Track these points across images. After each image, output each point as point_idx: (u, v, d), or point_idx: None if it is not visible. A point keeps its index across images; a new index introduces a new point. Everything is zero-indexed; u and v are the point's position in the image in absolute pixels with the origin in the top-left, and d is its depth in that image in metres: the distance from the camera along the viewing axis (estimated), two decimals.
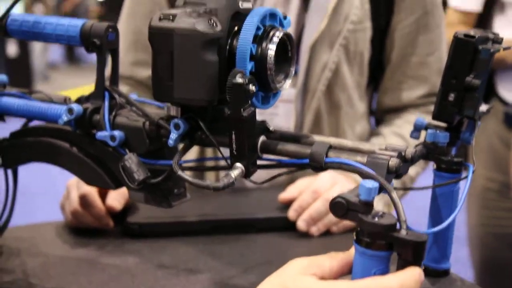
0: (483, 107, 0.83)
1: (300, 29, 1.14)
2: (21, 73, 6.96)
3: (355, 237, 0.57)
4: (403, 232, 0.55)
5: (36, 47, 7.71)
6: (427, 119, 0.85)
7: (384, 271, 0.56)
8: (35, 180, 3.68)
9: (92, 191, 0.98)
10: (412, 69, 1.19)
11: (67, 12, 9.59)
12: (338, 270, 0.58)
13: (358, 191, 0.56)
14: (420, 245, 0.54)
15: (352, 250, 0.58)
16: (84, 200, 0.97)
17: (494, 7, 1.87)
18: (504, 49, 0.81)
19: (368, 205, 0.56)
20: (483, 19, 1.89)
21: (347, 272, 0.59)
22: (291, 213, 1.00)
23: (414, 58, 1.19)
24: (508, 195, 1.84)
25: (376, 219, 0.55)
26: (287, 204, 1.02)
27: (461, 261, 2.15)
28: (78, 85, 7.78)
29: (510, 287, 1.90)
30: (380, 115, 1.27)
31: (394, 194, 0.58)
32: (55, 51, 10.43)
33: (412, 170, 1.16)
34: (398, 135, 1.16)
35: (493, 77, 1.89)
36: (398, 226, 0.56)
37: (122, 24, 1.25)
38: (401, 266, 0.55)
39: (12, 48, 7.00)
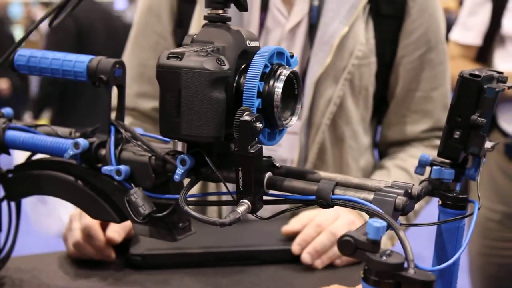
0: (488, 144, 0.84)
1: (305, 64, 1.15)
2: (20, 102, 6.96)
3: (362, 275, 0.57)
4: (411, 271, 0.55)
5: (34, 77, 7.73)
6: (431, 153, 0.86)
7: None
8: None
9: (94, 223, 0.98)
10: (416, 104, 1.20)
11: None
12: None
13: (366, 230, 0.56)
14: (429, 285, 0.54)
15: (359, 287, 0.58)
16: (86, 232, 0.97)
17: (494, 41, 1.89)
18: (509, 88, 0.82)
19: (375, 244, 0.56)
20: (483, 52, 1.91)
21: None
22: (294, 247, 1.00)
23: (418, 93, 1.20)
24: (510, 226, 1.84)
25: (384, 258, 0.55)
26: (290, 236, 1.02)
27: None
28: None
29: None
30: (383, 148, 1.27)
31: (402, 233, 0.58)
32: None
33: (417, 205, 1.16)
34: (402, 168, 1.17)
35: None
36: (405, 265, 0.56)
37: (127, 56, 1.26)
38: None
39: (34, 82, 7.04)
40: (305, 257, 0.98)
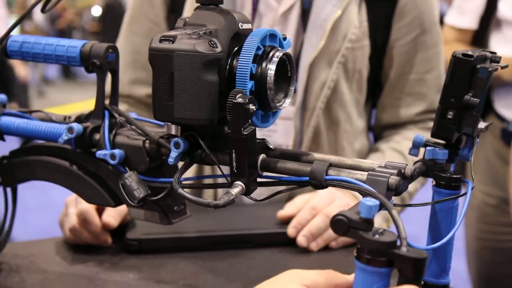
0: (482, 125, 0.84)
1: (298, 47, 1.15)
2: (17, 89, 6.97)
3: (355, 254, 0.57)
4: (404, 249, 0.55)
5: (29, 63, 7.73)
6: (425, 135, 0.86)
7: (385, 287, 0.56)
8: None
9: (90, 208, 0.98)
10: (410, 87, 1.20)
11: (62, 29, 9.62)
12: None
13: (359, 209, 0.57)
14: (421, 262, 0.55)
15: (352, 276, 0.59)
16: (82, 217, 0.97)
17: (490, 24, 1.89)
18: (502, 67, 0.82)
19: (368, 223, 0.57)
20: (479, 36, 1.91)
21: None
22: (290, 230, 1.00)
23: (412, 76, 1.20)
24: (506, 210, 1.85)
25: (377, 236, 0.56)
26: (286, 220, 1.03)
27: (460, 275, 2.15)
28: (74, 101, 7.80)
29: None
30: (378, 132, 1.28)
31: (395, 212, 0.59)
32: (51, 67, 10.46)
33: (411, 186, 1.16)
34: (397, 151, 1.17)
35: (490, 94, 1.90)
36: (398, 243, 0.56)
37: (121, 43, 1.26)
38: (402, 282, 0.56)
39: (21, 69, 7.04)
40: (301, 240, 0.99)
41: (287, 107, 1.14)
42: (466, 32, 1.92)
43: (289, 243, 1.00)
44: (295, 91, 1.15)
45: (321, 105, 1.13)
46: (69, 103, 7.72)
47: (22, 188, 0.88)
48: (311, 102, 1.14)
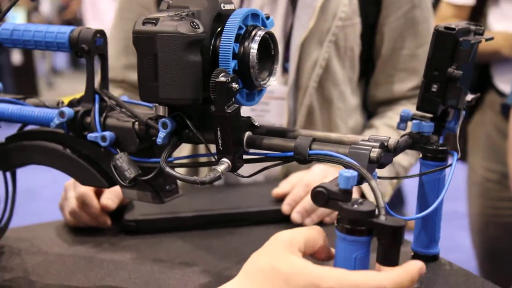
0: (468, 97, 0.85)
1: (289, 28, 1.16)
2: (26, 81, 7.03)
3: (336, 224, 0.59)
4: (382, 218, 0.57)
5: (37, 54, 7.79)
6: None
7: (365, 255, 0.58)
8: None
9: (88, 191, 1.00)
10: (402, 62, 1.21)
11: (69, 19, 9.63)
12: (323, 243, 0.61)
13: (338, 181, 0.58)
14: (398, 230, 0.56)
15: None
16: (81, 200, 1.00)
17: (488, 0, 1.88)
18: (486, 40, 0.83)
19: (347, 193, 0.58)
20: (477, 12, 1.91)
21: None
22: (284, 207, 1.02)
23: (403, 52, 1.20)
24: (508, 185, 1.85)
25: (356, 206, 0.57)
26: (281, 198, 1.04)
27: (466, 250, 2.17)
28: (83, 91, 7.82)
29: (511, 274, 1.91)
30: (373, 108, 1.29)
31: (373, 183, 0.60)
32: (60, 58, 10.50)
33: (405, 161, 1.17)
34: (390, 126, 1.18)
35: (489, 69, 1.90)
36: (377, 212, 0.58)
37: (113, 30, 1.28)
38: (381, 249, 0.57)
39: (16, 57, 7.08)
40: (295, 217, 1.00)
41: (280, 87, 1.16)
42: (463, 8, 1.91)
43: (284, 220, 1.01)
44: (287, 70, 1.17)
45: (313, 84, 1.14)
46: (78, 93, 7.75)
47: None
48: (303, 81, 1.15)
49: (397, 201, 3.33)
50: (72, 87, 8.56)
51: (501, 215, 1.90)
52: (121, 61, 1.25)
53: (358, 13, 1.16)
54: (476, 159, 1.95)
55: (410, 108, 1.20)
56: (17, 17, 7.31)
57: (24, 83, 6.89)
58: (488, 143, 1.92)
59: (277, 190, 1.05)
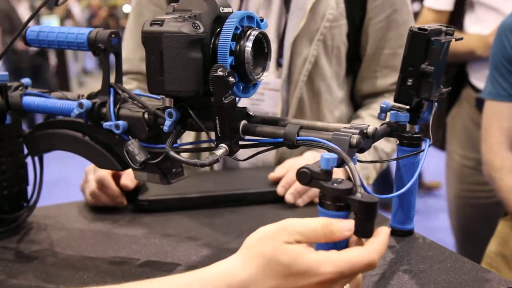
0: (442, 90, 0.85)
1: (282, 28, 1.16)
2: (60, 80, 7.08)
3: (318, 201, 0.59)
4: (358, 195, 0.57)
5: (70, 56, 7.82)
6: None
7: None
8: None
9: (107, 175, 1.01)
10: (385, 60, 1.21)
11: (97, 26, 9.64)
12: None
13: (319, 162, 0.59)
14: (373, 205, 0.56)
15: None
16: (100, 182, 1.00)
17: (464, 6, 1.88)
18: (456, 40, 0.83)
19: (328, 173, 0.58)
20: (455, 16, 1.90)
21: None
22: (279, 189, 1.02)
23: (386, 51, 1.21)
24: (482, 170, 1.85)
25: (335, 185, 0.58)
26: (276, 181, 1.05)
27: (445, 230, 2.17)
28: None
29: (484, 249, 1.91)
30: (359, 101, 1.29)
31: (351, 164, 0.61)
32: (90, 60, 10.55)
33: (388, 147, 1.18)
34: (374, 116, 1.18)
35: (466, 67, 1.90)
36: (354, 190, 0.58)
37: (130, 26, 1.28)
38: (358, 223, 0.57)
39: (52, 59, 7.11)
40: (288, 197, 1.01)
41: (275, 79, 1.17)
42: (443, 13, 1.91)
43: (278, 200, 1.02)
44: (281, 65, 1.17)
45: (303, 78, 1.15)
46: None
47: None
48: (295, 75, 1.15)
49: (386, 187, 3.33)
50: (100, 86, 8.62)
51: (476, 197, 1.89)
52: (137, 54, 1.25)
53: (344, 15, 1.16)
54: (454, 148, 1.95)
55: (391, 101, 1.20)
56: (51, 23, 7.33)
57: (58, 82, 6.93)
58: (464, 133, 1.92)
59: (273, 174, 1.06)
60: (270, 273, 0.54)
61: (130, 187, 1.03)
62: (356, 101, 1.29)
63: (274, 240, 0.55)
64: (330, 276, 0.53)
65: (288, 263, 0.53)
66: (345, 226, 0.56)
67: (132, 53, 1.25)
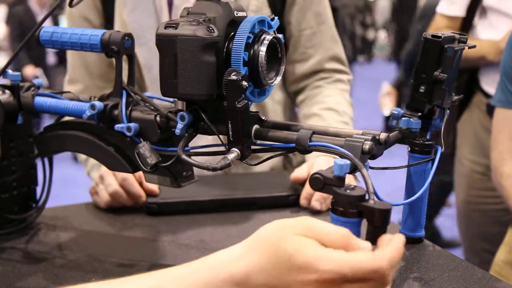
0: (454, 98, 0.86)
1: None
2: (59, 79, 7.10)
3: (330, 207, 0.60)
4: (371, 202, 0.57)
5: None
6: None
7: (356, 235, 0.58)
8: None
9: (130, 176, 1.02)
10: (309, 40, 1.26)
11: None
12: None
13: (333, 168, 0.59)
14: (386, 212, 0.57)
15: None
16: (124, 183, 1.01)
17: (476, 12, 1.88)
18: (469, 47, 0.83)
19: (341, 180, 0.59)
20: (467, 22, 1.91)
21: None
22: (303, 202, 1.02)
23: (307, 31, 1.26)
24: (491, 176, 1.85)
25: (348, 191, 0.58)
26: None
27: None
28: None
29: (492, 255, 1.91)
30: (294, 85, 1.30)
31: (364, 171, 0.61)
32: None
33: (350, 110, 1.22)
34: (328, 109, 1.20)
35: (477, 73, 1.90)
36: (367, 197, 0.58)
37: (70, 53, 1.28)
38: (370, 230, 0.58)
39: (51, 58, 7.14)
40: (315, 205, 1.00)
41: None
42: (455, 20, 1.91)
43: (287, 205, 1.02)
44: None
45: None
46: None
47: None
48: None
49: None
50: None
51: (485, 203, 1.90)
52: (81, 71, 1.27)
53: (267, 5, 1.21)
54: (464, 153, 1.96)
55: (329, 89, 1.24)
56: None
57: (58, 81, 6.96)
58: (475, 139, 1.92)
59: (296, 175, 1.05)
60: (272, 261, 0.52)
61: (156, 192, 1.04)
62: (291, 86, 1.31)
63: (285, 231, 0.54)
64: (330, 276, 0.50)
65: (290, 252, 0.51)
66: (363, 245, 0.54)
67: (78, 72, 1.27)
